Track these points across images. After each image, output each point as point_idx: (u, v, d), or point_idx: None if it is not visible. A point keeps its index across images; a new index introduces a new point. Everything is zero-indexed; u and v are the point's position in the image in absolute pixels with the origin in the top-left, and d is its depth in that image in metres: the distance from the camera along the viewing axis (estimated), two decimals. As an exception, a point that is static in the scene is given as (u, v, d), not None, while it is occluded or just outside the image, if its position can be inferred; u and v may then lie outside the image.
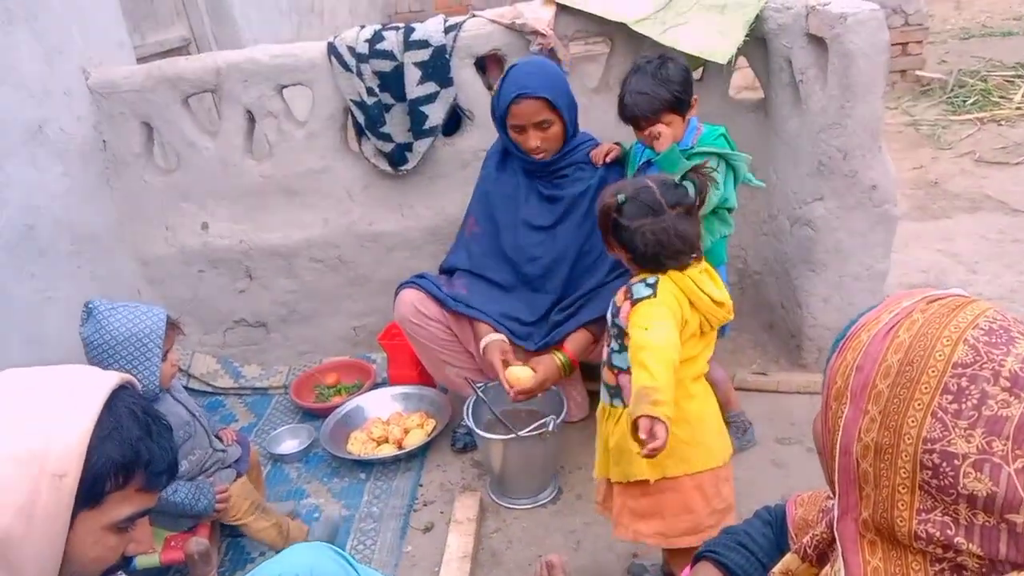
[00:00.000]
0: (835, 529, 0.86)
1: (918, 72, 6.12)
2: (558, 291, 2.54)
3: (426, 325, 2.55)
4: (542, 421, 2.31)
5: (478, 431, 2.35)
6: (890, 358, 0.79)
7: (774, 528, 1.20)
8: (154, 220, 3.13)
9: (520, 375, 2.33)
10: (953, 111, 5.61)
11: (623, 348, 1.79)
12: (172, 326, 2.14)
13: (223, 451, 2.28)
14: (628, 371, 1.78)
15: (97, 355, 2.01)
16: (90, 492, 0.96)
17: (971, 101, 5.66)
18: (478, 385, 2.45)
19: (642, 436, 1.46)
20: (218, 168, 3.04)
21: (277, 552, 2.19)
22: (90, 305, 2.03)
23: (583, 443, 2.63)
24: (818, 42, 2.49)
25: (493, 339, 2.43)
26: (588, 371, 2.75)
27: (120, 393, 1.02)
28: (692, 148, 2.23)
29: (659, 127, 2.16)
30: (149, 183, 3.08)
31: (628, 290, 1.78)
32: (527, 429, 2.29)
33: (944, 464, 0.75)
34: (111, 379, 1.02)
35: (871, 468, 0.80)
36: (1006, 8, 8.23)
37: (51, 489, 0.92)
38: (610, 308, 1.85)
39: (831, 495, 1.09)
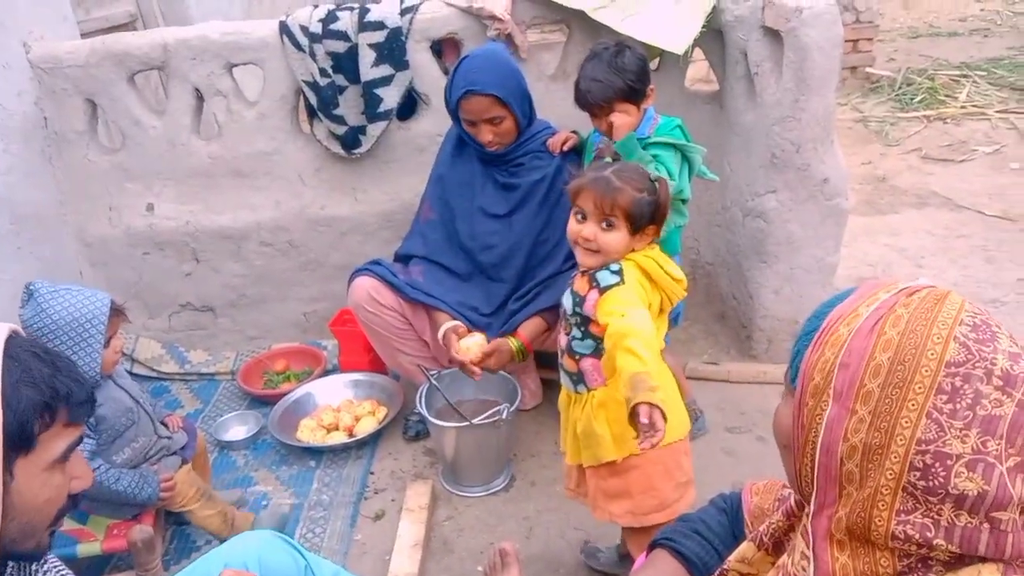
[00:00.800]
0: (807, 524, 0.85)
1: (868, 69, 6.24)
2: (514, 280, 2.52)
3: (381, 313, 2.52)
4: (495, 409, 2.30)
5: (431, 418, 2.33)
6: (879, 356, 0.78)
7: (729, 515, 1.20)
8: (98, 200, 3.03)
9: (470, 344, 2.32)
10: (901, 108, 5.73)
11: (586, 336, 1.79)
12: (116, 312, 2.07)
13: (168, 438, 2.22)
14: (591, 356, 1.79)
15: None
16: (20, 437, 0.95)
17: (918, 99, 5.79)
18: (431, 373, 2.43)
19: (643, 421, 1.45)
20: (165, 148, 2.95)
21: (222, 541, 2.17)
22: (31, 287, 1.95)
23: (536, 431, 2.64)
24: (774, 35, 2.51)
25: (449, 326, 2.41)
26: (542, 359, 2.76)
27: (13, 340, 1.00)
28: (648, 138, 2.22)
29: (614, 116, 2.15)
30: (93, 162, 2.98)
31: (591, 279, 1.77)
32: (480, 417, 2.28)
33: (936, 464, 0.74)
34: (1, 328, 1.00)
35: (856, 468, 0.79)
36: (952, 9, 8.44)
37: None
38: (568, 297, 1.84)
39: (786, 485, 1.10)
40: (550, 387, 2.75)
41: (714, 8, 2.66)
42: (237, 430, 2.76)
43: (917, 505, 0.76)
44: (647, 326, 1.63)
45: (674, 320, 2.40)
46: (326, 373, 3.00)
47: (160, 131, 2.93)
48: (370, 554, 2.22)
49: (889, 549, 0.79)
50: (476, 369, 2.30)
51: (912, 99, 5.81)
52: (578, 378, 1.85)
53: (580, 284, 1.81)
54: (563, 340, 1.88)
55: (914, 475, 0.76)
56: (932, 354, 0.76)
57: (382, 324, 2.54)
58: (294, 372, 3.06)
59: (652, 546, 1.23)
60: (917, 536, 0.76)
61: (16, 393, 0.95)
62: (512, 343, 2.38)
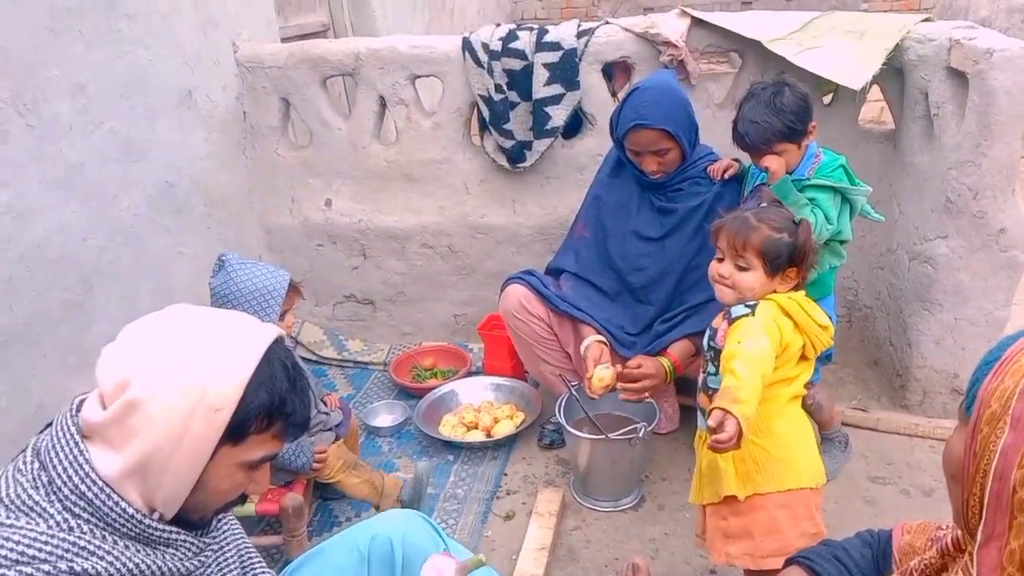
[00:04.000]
0: (974, 554, 0.85)
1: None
2: (662, 304, 2.54)
3: (529, 321, 2.60)
4: (632, 427, 2.33)
5: (568, 428, 2.38)
6: None
7: (874, 550, 1.19)
8: (282, 192, 3.30)
9: (602, 374, 2.36)
10: (1096, 163, 5.31)
11: (719, 371, 1.79)
12: (294, 289, 2.26)
13: (326, 414, 2.39)
14: None
15: (221, 305, 2.14)
16: (237, 429, 1.05)
17: (1118, 155, 5.34)
18: (573, 384, 2.49)
19: (711, 424, 1.47)
20: (347, 149, 3.18)
21: (375, 507, 2.31)
22: (223, 257, 2.16)
23: (670, 456, 2.64)
24: (958, 76, 2.42)
25: (595, 339, 2.47)
26: (682, 385, 2.76)
27: (276, 346, 1.10)
28: (808, 180, 2.18)
29: (769, 159, 2.14)
30: (282, 156, 3.25)
31: (727, 312, 1.79)
32: (617, 432, 2.31)
33: None
34: (272, 331, 1.11)
35: None
36: None
37: (204, 420, 1.02)
38: (707, 332, 1.86)
39: (941, 526, 1.08)
40: (688, 414, 2.75)
41: (897, 46, 2.59)
42: (385, 417, 2.93)
43: None
44: (757, 350, 1.63)
45: (827, 358, 2.35)
46: (470, 374, 3.12)
47: (344, 133, 3.17)
48: (498, 552, 2.29)
49: None
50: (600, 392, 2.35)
51: (1111, 154, 5.36)
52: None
53: (718, 319, 1.83)
54: (700, 377, 1.89)
55: None
56: None
57: (529, 332, 2.62)
58: (440, 369, 3.20)
59: (788, 563, 1.23)
60: None
61: (255, 392, 1.05)
62: (664, 362, 2.40)
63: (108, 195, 2.48)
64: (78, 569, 0.97)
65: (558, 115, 2.94)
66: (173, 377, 1.02)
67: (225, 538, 1.28)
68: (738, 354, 1.62)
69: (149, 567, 1.04)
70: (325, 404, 2.44)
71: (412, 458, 2.74)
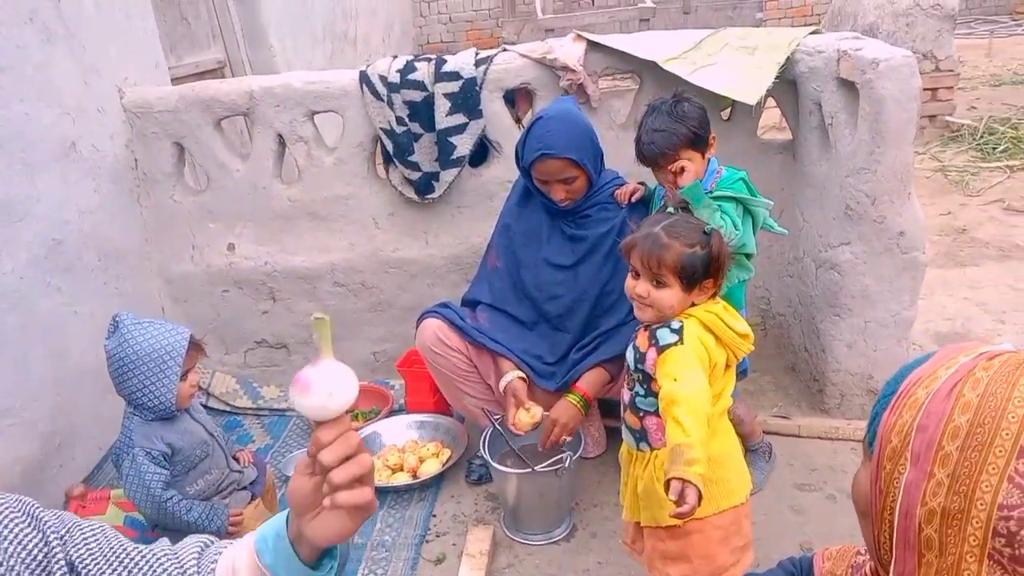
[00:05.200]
0: None
1: (948, 118, 6.10)
2: (578, 330, 2.52)
3: (447, 355, 2.55)
4: (558, 457, 2.29)
5: (493, 463, 2.33)
6: (957, 418, 0.76)
7: (797, 579, 1.17)
8: (181, 239, 3.16)
9: (523, 419, 2.35)
10: (983, 158, 5.57)
11: (648, 393, 1.78)
12: (195, 347, 2.16)
13: (239, 472, 2.28)
14: (654, 414, 1.77)
15: (118, 368, 2.03)
16: None
17: (1001, 148, 5.62)
18: (496, 417, 2.44)
19: (672, 497, 1.43)
20: (247, 190, 3.07)
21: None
22: (117, 318, 2.05)
23: (599, 480, 2.61)
24: (849, 86, 2.49)
25: (511, 378, 2.44)
26: (606, 408, 2.75)
27: None
28: (711, 192, 2.20)
29: (682, 162, 2.15)
30: (178, 202, 3.12)
31: (652, 335, 1.76)
32: (543, 464, 2.27)
33: (1022, 532, 0.72)
34: None
35: (936, 534, 0.77)
36: (1038, 56, 8.19)
37: None
38: (631, 352, 1.84)
39: (860, 551, 1.07)
40: (613, 436, 2.73)
41: (788, 59, 2.65)
42: (304, 467, 2.81)
43: (1005, 574, 0.74)
44: (698, 391, 1.60)
45: (742, 373, 2.36)
46: (392, 413, 3.04)
47: (243, 174, 3.06)
48: (430, 598, 2.22)
49: None
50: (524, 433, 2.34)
51: (995, 148, 5.64)
52: (641, 435, 1.84)
53: (641, 340, 1.80)
54: (626, 395, 1.87)
55: (999, 541, 0.73)
56: (1013, 416, 0.74)
57: (448, 366, 2.56)
58: (362, 411, 3.10)
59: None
60: None
61: None
62: (573, 399, 2.38)
63: (-15, 257, 2.33)
64: None
65: (463, 144, 2.91)
66: None
67: None
68: (678, 400, 1.58)
69: None
70: (237, 461, 2.33)
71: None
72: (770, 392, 3.02)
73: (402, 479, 2.65)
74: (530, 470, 2.27)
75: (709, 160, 2.25)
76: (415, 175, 2.97)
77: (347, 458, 0.91)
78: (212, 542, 1.10)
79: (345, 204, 3.08)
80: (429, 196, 3.01)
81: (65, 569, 1.03)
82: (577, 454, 2.33)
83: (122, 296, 2.95)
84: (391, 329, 3.24)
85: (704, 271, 1.74)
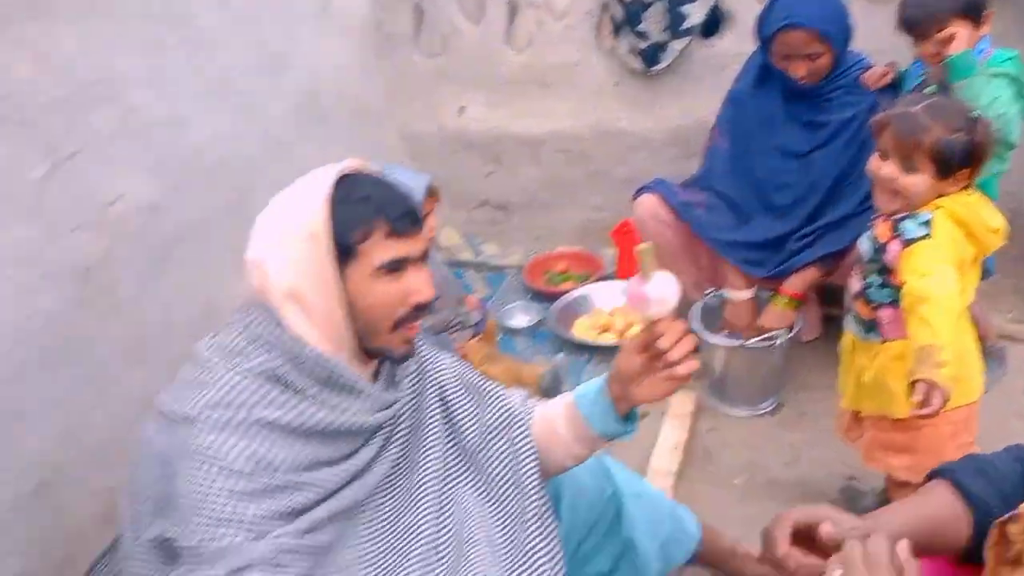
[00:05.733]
0: None
1: None
2: (802, 220, 2.43)
3: (662, 232, 2.55)
4: (771, 334, 2.30)
5: (704, 334, 2.37)
6: None
7: (1024, 467, 1.13)
8: (418, 99, 3.35)
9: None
10: None
11: (885, 284, 1.70)
12: (432, 194, 2.32)
13: (465, 314, 2.48)
14: (889, 306, 1.70)
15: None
16: (344, 247, 1.14)
17: None
18: (708, 293, 2.47)
19: (918, 399, 1.41)
20: (480, 55, 3.18)
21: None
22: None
23: (811, 364, 2.58)
24: None
25: (738, 298, 2.47)
26: (825, 294, 2.68)
27: (352, 172, 1.21)
28: (980, 70, 2.00)
29: (952, 29, 1.94)
30: (416, 63, 3.29)
31: (894, 226, 1.65)
32: (755, 339, 2.29)
33: None
34: (344, 162, 1.22)
35: None
36: None
37: (312, 248, 1.13)
38: (867, 241, 1.74)
39: None
40: (831, 322, 2.68)
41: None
42: (520, 318, 3.01)
43: None
44: (949, 291, 1.52)
45: (986, 272, 2.21)
46: (603, 279, 3.14)
47: (476, 39, 3.16)
48: (631, 449, 2.33)
49: None
50: None
51: None
52: (871, 326, 1.76)
53: (882, 230, 1.69)
54: (856, 284, 1.79)
55: None
56: None
57: (662, 241, 2.56)
58: (574, 274, 3.23)
59: (931, 476, 1.20)
60: None
61: (338, 209, 1.14)
62: (782, 303, 2.38)
63: (257, 105, 2.59)
64: (265, 419, 1.09)
65: (696, 13, 2.83)
66: (269, 228, 1.18)
67: (425, 399, 1.36)
68: (928, 298, 1.50)
69: (333, 422, 1.14)
70: (464, 305, 2.53)
71: (547, 357, 2.81)
72: (1009, 295, 2.82)
73: (610, 339, 2.77)
74: (741, 344, 2.29)
75: (980, 38, 2.03)
76: (643, 44, 2.93)
77: (678, 342, 1.18)
78: (530, 396, 1.46)
79: (572, 72, 3.12)
80: (656, 67, 2.97)
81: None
82: (791, 335, 2.31)
83: (366, 150, 3.14)
84: (607, 198, 3.29)
85: (963, 160, 1.59)
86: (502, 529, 1.30)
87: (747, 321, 2.45)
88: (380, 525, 1.24)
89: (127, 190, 2.02)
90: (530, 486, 1.31)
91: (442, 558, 1.24)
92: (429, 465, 1.31)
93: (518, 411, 1.38)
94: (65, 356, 1.83)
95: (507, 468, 1.34)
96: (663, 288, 1.16)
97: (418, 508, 1.27)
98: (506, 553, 1.28)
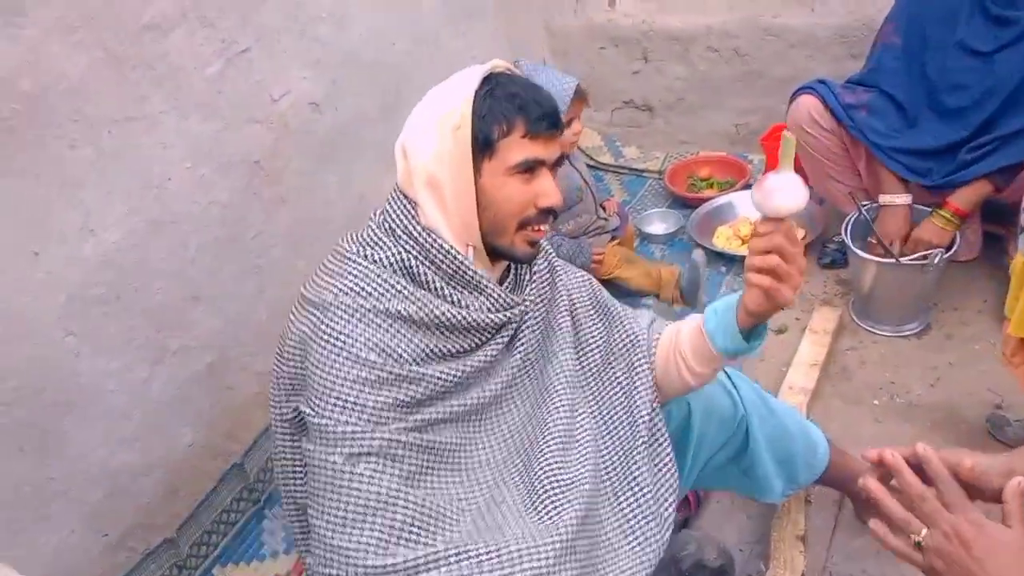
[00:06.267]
0: None
1: None
2: (977, 127, 2.24)
3: (819, 136, 2.45)
4: (927, 252, 2.19)
5: (855, 249, 2.29)
6: None
7: None
8: (567, -9, 3.27)
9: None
10: None
11: None
12: (580, 97, 2.30)
13: (605, 219, 2.50)
14: None
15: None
16: (483, 141, 1.17)
17: None
18: (864, 204, 2.36)
19: None
20: (636, -58, 3.05)
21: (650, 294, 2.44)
22: (518, 62, 2.25)
23: (965, 285, 2.47)
24: None
25: (897, 204, 2.33)
26: (988, 211, 2.51)
27: (500, 72, 1.22)
28: None
29: None
30: (567, -46, 3.20)
31: None
32: (910, 257, 2.20)
33: None
34: (493, 61, 1.24)
35: None
36: None
37: (451, 138, 1.16)
38: None
39: None
40: (991, 241, 2.53)
41: None
42: (659, 225, 2.99)
43: None
44: None
45: None
46: (748, 187, 3.05)
47: (632, -74, 3.02)
48: (767, 363, 2.34)
49: None
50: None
51: None
52: None
53: None
54: None
55: None
56: None
57: (819, 147, 2.48)
58: (717, 180, 3.15)
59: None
60: None
61: (482, 104, 1.16)
62: (944, 218, 2.24)
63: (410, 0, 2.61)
64: (392, 309, 1.16)
65: None
66: (418, 118, 1.21)
67: (556, 309, 1.40)
68: None
69: (455, 316, 1.20)
70: (603, 209, 2.54)
71: (684, 265, 2.79)
72: None
73: (750, 250, 2.71)
74: (895, 261, 2.20)
75: None
76: (813, -68, 2.72)
77: (768, 252, 1.12)
78: (657, 318, 1.48)
79: (731, -37, 2.95)
80: (824, -43, 2.76)
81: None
82: (949, 254, 2.20)
83: (511, 44, 3.16)
84: (758, 101, 3.15)
85: None
86: (609, 453, 1.35)
87: (901, 230, 2.32)
88: (509, 428, 1.30)
89: (292, 86, 2.12)
90: (641, 416, 1.34)
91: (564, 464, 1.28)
92: (560, 375, 1.36)
93: (641, 336, 1.40)
94: (235, 245, 1.99)
95: (623, 394, 1.38)
96: (786, 188, 1.09)
97: (548, 414, 1.32)
98: (608, 478, 1.33)
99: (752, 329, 1.25)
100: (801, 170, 2.73)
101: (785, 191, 1.09)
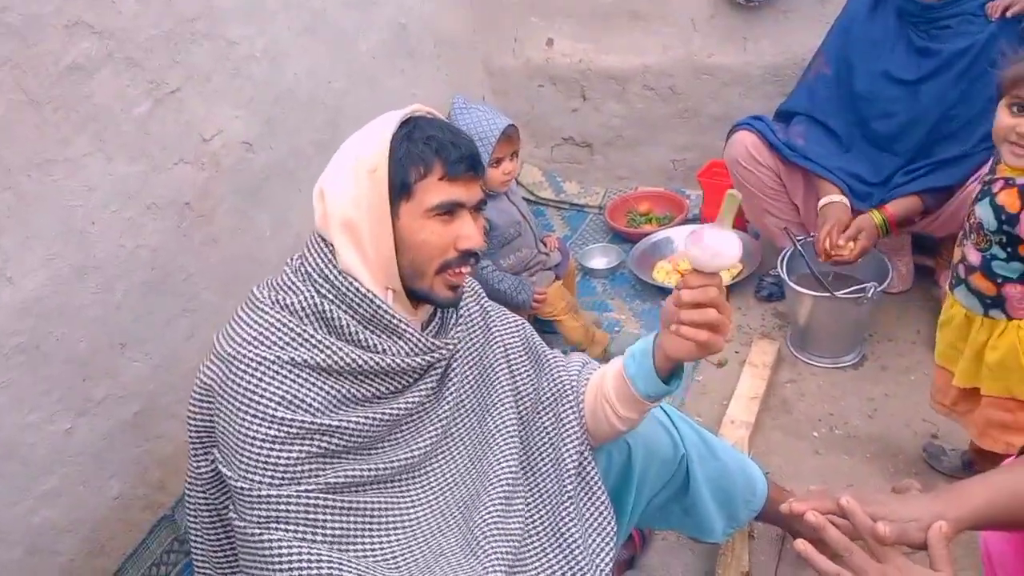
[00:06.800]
0: None
1: None
2: (908, 155, 2.33)
3: (756, 171, 2.49)
4: (862, 286, 2.24)
5: (791, 283, 2.33)
6: None
7: None
8: (505, 32, 3.29)
9: (843, 247, 2.25)
10: None
11: (1013, 258, 1.59)
12: (508, 137, 2.30)
13: (546, 254, 2.49)
14: (1017, 282, 1.60)
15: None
16: (400, 184, 1.16)
17: None
18: (798, 239, 2.40)
19: None
20: (569, -15, 3.10)
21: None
22: (454, 100, 2.24)
23: (898, 316, 2.53)
24: None
25: (835, 200, 2.32)
26: (919, 243, 2.59)
27: (419, 115, 1.22)
28: None
29: None
30: (504, -5, 3.23)
31: (1020, 191, 1.53)
32: (844, 291, 2.24)
33: None
34: (412, 106, 1.24)
35: None
36: None
37: (370, 182, 1.16)
38: (987, 209, 1.59)
39: None
40: (922, 273, 2.60)
41: None
42: (600, 260, 3.01)
43: None
44: None
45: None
46: (686, 221, 3.09)
47: (567, -33, 3.07)
48: (708, 396, 2.35)
49: None
50: (845, 255, 2.24)
51: None
52: (994, 302, 1.66)
53: (1009, 198, 1.56)
54: (974, 256, 1.66)
55: None
56: None
57: (754, 182, 2.52)
58: (656, 215, 3.19)
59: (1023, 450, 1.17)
60: None
61: (399, 147, 1.16)
62: (875, 217, 2.26)
63: (348, 39, 2.60)
64: (299, 359, 1.12)
65: (800, -59, 2.67)
66: (336, 162, 1.22)
67: (490, 353, 1.38)
68: None
69: (368, 362, 1.16)
70: (545, 245, 2.53)
71: (625, 300, 2.81)
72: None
73: (692, 285, 2.73)
74: (830, 295, 2.24)
75: None
76: (742, -26, 2.80)
77: (699, 305, 1.11)
78: (589, 362, 1.47)
79: (664, 4, 3.01)
80: (754, -1, 2.84)
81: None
82: (882, 287, 2.25)
83: (451, 84, 3.17)
84: (694, 138, 3.21)
85: None
86: (535, 506, 1.32)
87: (842, 217, 2.29)
88: (447, 479, 1.26)
89: (224, 126, 2.07)
90: (567, 469, 1.32)
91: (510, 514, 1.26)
92: (504, 424, 1.33)
93: (570, 385, 1.38)
94: (164, 288, 1.93)
95: (550, 445, 1.36)
96: (722, 245, 1.09)
97: (491, 467, 1.29)
98: (536, 532, 1.30)
99: (671, 371, 1.25)
100: (740, 214, 2.78)
101: (723, 250, 1.09)
